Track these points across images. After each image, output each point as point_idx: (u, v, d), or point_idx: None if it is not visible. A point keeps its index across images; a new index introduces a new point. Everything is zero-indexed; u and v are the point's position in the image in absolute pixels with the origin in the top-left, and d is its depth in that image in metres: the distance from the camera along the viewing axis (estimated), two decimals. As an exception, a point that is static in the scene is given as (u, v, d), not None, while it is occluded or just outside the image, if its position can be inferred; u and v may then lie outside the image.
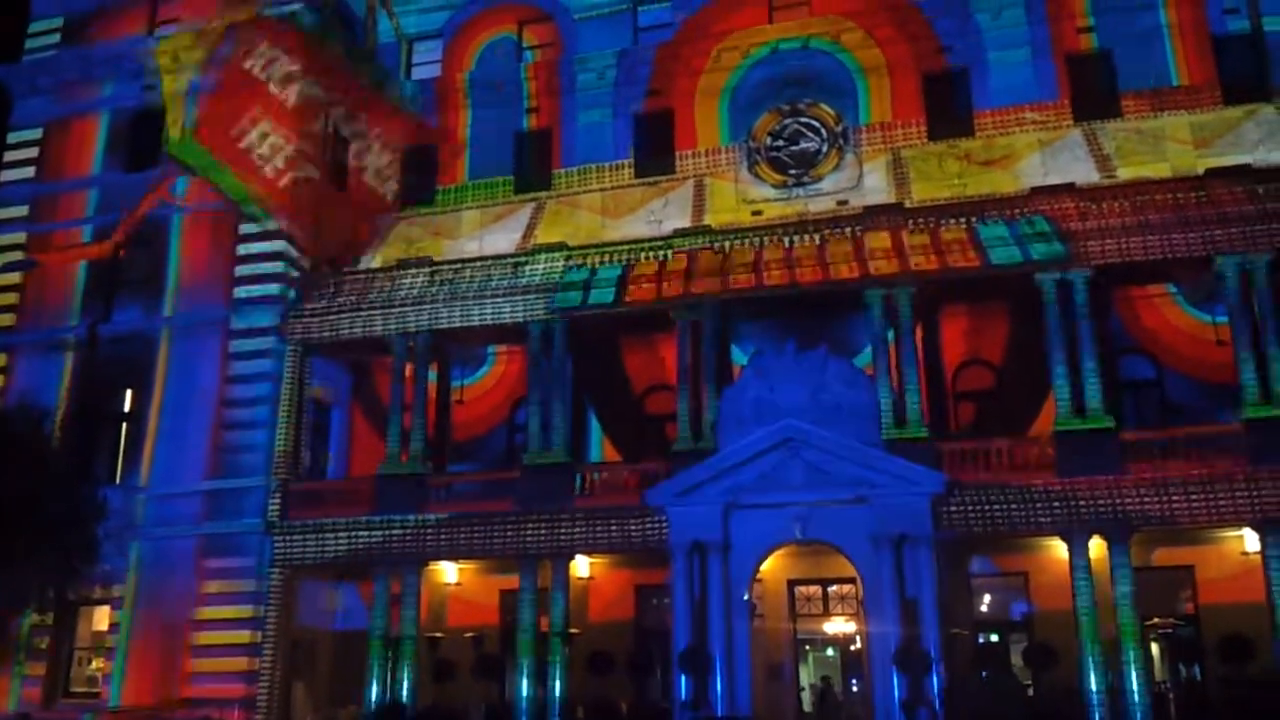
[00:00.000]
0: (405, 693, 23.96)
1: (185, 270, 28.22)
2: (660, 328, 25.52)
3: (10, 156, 30.97)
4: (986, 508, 21.88)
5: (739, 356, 26.21)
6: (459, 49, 32.87)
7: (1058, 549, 22.07)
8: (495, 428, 28.43)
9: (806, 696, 25.70)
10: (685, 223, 27.63)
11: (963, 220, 24.23)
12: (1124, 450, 21.82)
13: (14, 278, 29.36)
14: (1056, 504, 21.60)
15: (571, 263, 26.20)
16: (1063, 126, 27.07)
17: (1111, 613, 20.95)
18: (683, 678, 21.86)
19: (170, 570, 25.75)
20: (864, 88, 28.84)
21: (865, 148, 28.21)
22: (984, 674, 21.92)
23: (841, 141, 28.43)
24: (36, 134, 30.79)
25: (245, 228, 27.99)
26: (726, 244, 25.42)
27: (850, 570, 22.63)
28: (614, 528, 23.77)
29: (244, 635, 24.80)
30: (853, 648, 25.36)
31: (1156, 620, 22.39)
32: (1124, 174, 25.73)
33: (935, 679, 20.63)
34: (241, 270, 27.71)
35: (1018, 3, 28.10)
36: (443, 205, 30.89)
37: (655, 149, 29.88)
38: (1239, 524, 21.32)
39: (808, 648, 26.66)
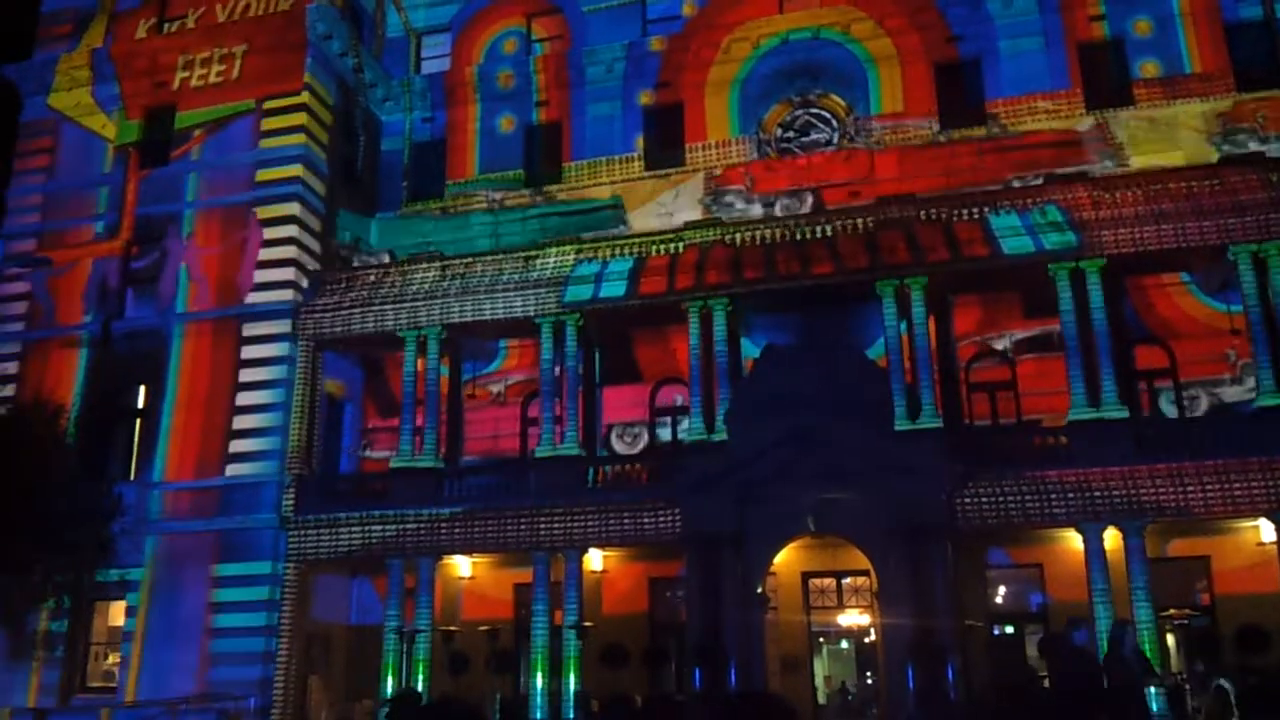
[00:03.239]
0: (420, 686, 23.99)
1: (197, 266, 28.26)
2: (672, 320, 25.51)
3: (22, 154, 30.98)
4: (1001, 499, 21.81)
5: (750, 349, 26.11)
6: (468, 42, 32.86)
7: (1073, 540, 22.02)
8: (507, 421, 28.42)
9: (821, 689, 25.68)
10: (696, 215, 27.64)
11: (975, 210, 24.15)
12: (1138, 440, 21.77)
13: (25, 275, 29.43)
14: (1071, 495, 21.53)
15: (582, 256, 26.19)
16: (1075, 115, 26.98)
17: (1127, 604, 20.89)
18: (697, 670, 21.85)
19: (185, 565, 25.82)
20: (875, 78, 28.74)
21: (876, 138, 28.14)
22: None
23: (852, 132, 28.37)
24: (47, 132, 30.83)
25: (257, 222, 28.06)
26: (738, 236, 25.38)
27: (864, 563, 22.57)
28: (627, 521, 23.77)
29: (259, 630, 24.87)
30: (867, 640, 25.35)
31: (1172, 611, 22.28)
32: (1137, 163, 25.74)
33: (949, 671, 20.62)
34: (254, 265, 27.74)
35: (1029, -10, 28.06)
36: (453, 199, 30.92)
37: (665, 141, 29.83)
38: (1255, 514, 21.22)
39: (822, 640, 26.65)
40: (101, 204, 29.74)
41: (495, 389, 28.73)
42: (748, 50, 29.81)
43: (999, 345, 25.50)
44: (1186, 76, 26.72)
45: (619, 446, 27.18)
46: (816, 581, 24.80)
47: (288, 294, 27.28)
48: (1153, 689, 18.74)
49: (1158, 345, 24.69)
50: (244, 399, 26.75)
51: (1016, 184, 25.62)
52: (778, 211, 27.72)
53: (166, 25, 31.01)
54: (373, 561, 25.71)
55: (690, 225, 26.41)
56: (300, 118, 28.67)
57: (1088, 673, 13.38)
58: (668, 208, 28.80)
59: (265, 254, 27.75)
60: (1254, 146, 25.30)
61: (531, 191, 30.33)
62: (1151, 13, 27.33)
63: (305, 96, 28.85)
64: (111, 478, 26.07)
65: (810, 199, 27.81)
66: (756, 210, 28.05)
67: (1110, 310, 22.92)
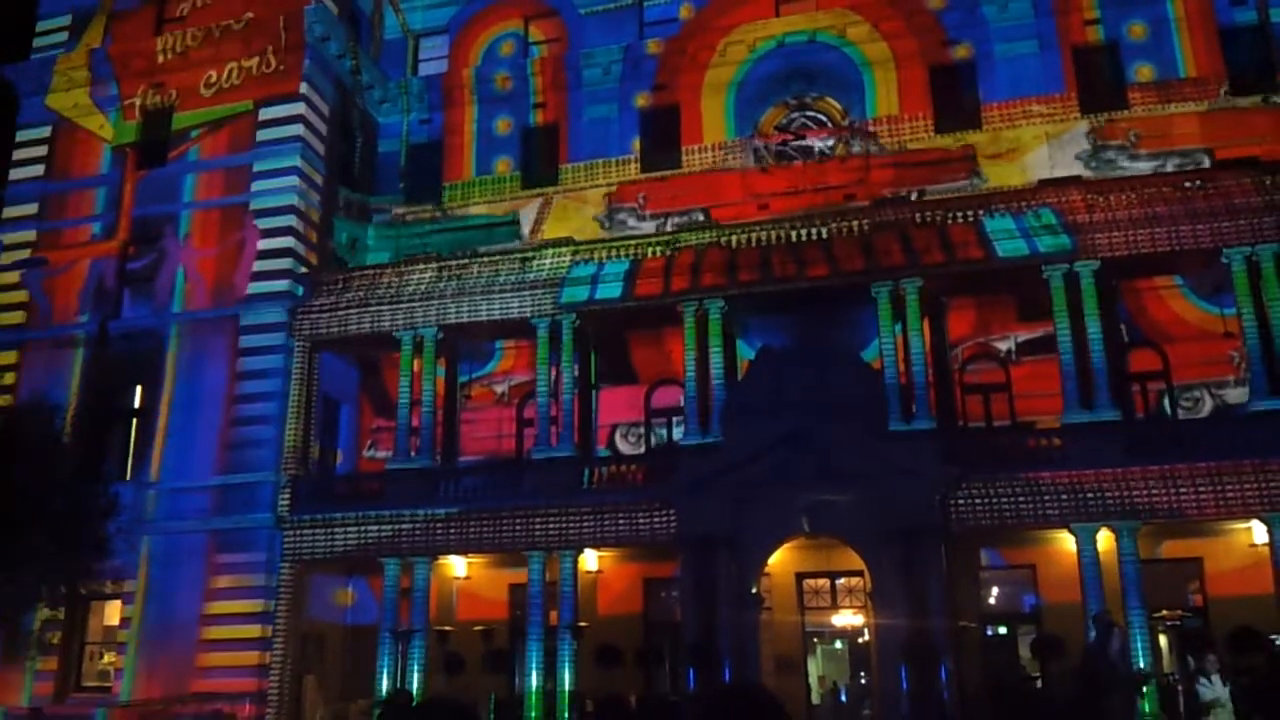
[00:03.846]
0: (415, 686, 24.04)
1: (194, 266, 28.32)
2: (667, 322, 25.56)
3: (19, 155, 31.03)
4: (994, 500, 21.88)
5: (746, 350, 26.24)
6: (465, 45, 32.96)
7: (1066, 541, 22.08)
8: (503, 422, 28.47)
9: (815, 689, 25.73)
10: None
11: (970, 213, 24.23)
12: (1131, 442, 21.84)
13: (22, 275, 29.45)
14: (1064, 496, 21.60)
15: (579, 257, 26.25)
16: (1069, 119, 27.11)
17: (1120, 605, 20.95)
18: (691, 670, 21.90)
19: (181, 565, 25.86)
20: (871, 81, 28.85)
21: (872, 141, 28.23)
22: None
23: (848, 135, 28.45)
24: (45, 132, 30.88)
25: (254, 223, 28.12)
26: (733, 238, 25.44)
27: (858, 563, 22.65)
28: (622, 521, 23.82)
29: (254, 629, 24.90)
30: (861, 640, 25.40)
31: (1165, 612, 22.38)
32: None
33: (943, 671, 20.67)
34: (250, 266, 27.78)
35: (1024, -5, 28.20)
36: (450, 201, 31.00)
37: (661, 143, 29.92)
38: (1247, 516, 21.28)
39: (816, 640, 26.68)
40: (99, 204, 29.81)
41: (492, 390, 28.79)
42: (744, 53, 29.92)
43: (993, 347, 25.58)
44: (1181, 80, 26.87)
45: (624, 447, 27.33)
46: (811, 582, 24.85)
47: (284, 293, 27.32)
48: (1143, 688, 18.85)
49: (1151, 347, 24.79)
50: (240, 399, 26.79)
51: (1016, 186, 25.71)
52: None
53: (165, 26, 31.03)
54: (368, 561, 25.73)
55: (686, 227, 26.49)
56: (297, 119, 28.73)
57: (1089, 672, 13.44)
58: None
59: (262, 254, 27.80)
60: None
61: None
62: (1146, 17, 27.49)
63: (303, 98, 28.91)
64: (108, 478, 25.93)
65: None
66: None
67: (1104, 313, 22.99)
